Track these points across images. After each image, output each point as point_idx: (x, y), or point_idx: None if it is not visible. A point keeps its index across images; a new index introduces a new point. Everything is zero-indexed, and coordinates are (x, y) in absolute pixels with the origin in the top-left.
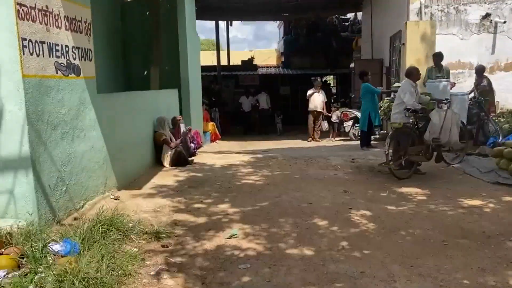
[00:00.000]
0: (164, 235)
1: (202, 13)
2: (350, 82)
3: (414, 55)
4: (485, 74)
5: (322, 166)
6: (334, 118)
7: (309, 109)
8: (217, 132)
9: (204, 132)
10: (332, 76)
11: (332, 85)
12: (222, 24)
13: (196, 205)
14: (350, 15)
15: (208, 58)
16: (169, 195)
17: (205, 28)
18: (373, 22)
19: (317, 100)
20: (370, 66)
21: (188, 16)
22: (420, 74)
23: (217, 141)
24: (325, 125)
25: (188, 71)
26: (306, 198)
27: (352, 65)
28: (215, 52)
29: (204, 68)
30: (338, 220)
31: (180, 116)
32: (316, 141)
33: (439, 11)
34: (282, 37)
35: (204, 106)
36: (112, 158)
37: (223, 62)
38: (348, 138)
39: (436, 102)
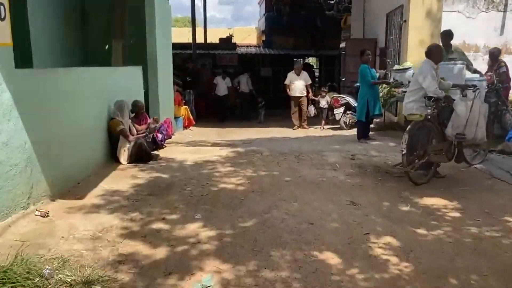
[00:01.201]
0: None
1: None
2: (336, 65)
3: (417, 34)
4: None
5: (317, 164)
6: (323, 104)
7: (291, 94)
8: (191, 117)
9: (176, 117)
10: (314, 58)
11: (315, 67)
12: (199, 2)
13: (156, 225)
14: None
15: (184, 36)
16: (119, 209)
17: (182, 7)
18: None
19: (297, 84)
20: (362, 47)
21: None
22: (443, 55)
23: (191, 127)
24: (312, 110)
25: (156, 45)
26: (305, 215)
27: (342, 44)
28: (191, 29)
29: (178, 46)
30: (355, 255)
31: (156, 118)
32: (304, 128)
33: None
34: (264, 14)
35: (176, 87)
36: (41, 157)
37: (200, 39)
38: (339, 126)
39: (460, 89)
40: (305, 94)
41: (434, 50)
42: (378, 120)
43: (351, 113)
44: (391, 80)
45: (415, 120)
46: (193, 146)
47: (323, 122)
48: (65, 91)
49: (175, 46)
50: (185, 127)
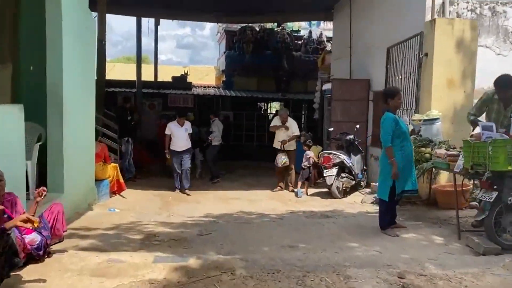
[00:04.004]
0: None
1: (119, 5)
2: (304, 110)
3: (445, 72)
4: None
5: None
6: (304, 162)
7: (274, 146)
8: (121, 181)
9: (99, 180)
10: (278, 103)
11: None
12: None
13: None
14: (303, 32)
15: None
16: None
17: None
18: (354, 31)
19: (282, 135)
20: (349, 90)
21: None
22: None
23: (122, 193)
24: (280, 159)
25: (62, 74)
26: None
27: (325, 86)
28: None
29: (121, 83)
30: None
31: (43, 190)
32: (289, 191)
33: (468, 10)
34: (224, 52)
35: (100, 137)
36: None
37: (150, 78)
38: (326, 189)
39: None
40: (294, 148)
41: None
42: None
43: (346, 176)
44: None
45: None
46: (101, 252)
47: (306, 185)
48: None
49: (118, 83)
50: (115, 192)
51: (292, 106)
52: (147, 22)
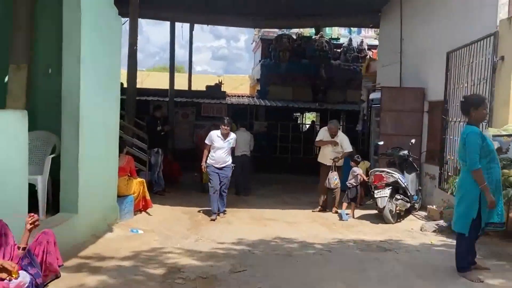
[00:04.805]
0: None
1: (153, 9)
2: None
3: None
4: None
5: None
6: (350, 180)
7: (318, 160)
8: (148, 197)
9: (122, 196)
10: (314, 113)
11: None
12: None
13: None
14: (343, 40)
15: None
16: None
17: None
18: (406, 34)
19: (328, 150)
20: (401, 100)
21: None
22: None
23: (148, 210)
24: (333, 179)
25: (79, 75)
26: None
27: (372, 95)
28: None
29: (154, 92)
30: None
31: (33, 216)
32: (332, 212)
33: None
34: (259, 61)
35: (125, 149)
36: None
37: (183, 87)
38: (374, 211)
39: None
40: (342, 164)
41: None
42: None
43: (401, 198)
44: None
45: None
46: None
47: (353, 206)
48: None
49: (150, 92)
50: (141, 210)
51: (330, 117)
52: (181, 31)
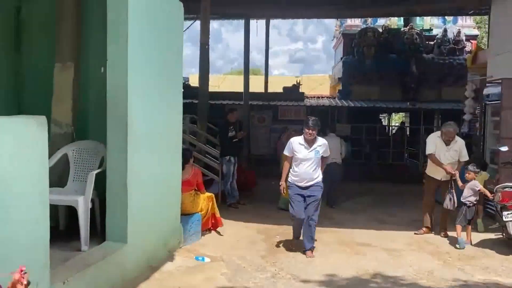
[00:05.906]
0: None
1: (226, 5)
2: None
3: None
4: None
5: None
6: (469, 197)
7: (426, 172)
8: (218, 215)
9: (188, 214)
10: (403, 113)
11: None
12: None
13: None
14: (436, 31)
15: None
16: None
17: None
18: None
19: (443, 160)
20: None
21: None
22: None
23: (218, 228)
24: (450, 201)
25: (126, 74)
26: None
27: (487, 90)
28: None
29: (228, 95)
30: None
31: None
32: (441, 236)
33: None
34: (341, 58)
35: (191, 159)
36: None
37: (260, 90)
38: (496, 234)
39: None
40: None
41: None
42: None
43: None
44: None
45: None
46: None
47: (469, 230)
48: None
49: (224, 95)
50: (210, 228)
51: (423, 117)
52: (256, 31)
